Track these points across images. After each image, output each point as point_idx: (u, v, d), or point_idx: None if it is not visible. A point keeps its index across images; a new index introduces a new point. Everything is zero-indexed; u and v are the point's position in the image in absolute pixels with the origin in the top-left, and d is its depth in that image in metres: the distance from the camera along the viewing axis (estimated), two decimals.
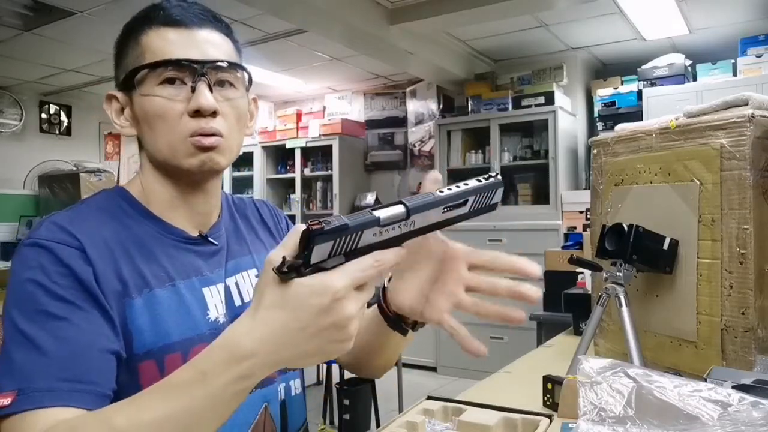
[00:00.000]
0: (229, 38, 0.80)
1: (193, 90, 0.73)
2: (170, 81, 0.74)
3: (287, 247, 0.50)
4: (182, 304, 0.76)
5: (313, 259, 0.49)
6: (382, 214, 0.51)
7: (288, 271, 0.49)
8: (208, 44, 0.76)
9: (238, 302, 0.83)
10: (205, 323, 0.77)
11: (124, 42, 0.78)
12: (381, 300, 0.76)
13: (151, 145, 0.77)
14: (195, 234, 0.83)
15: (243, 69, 0.80)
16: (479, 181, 0.59)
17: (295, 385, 0.89)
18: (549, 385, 1.00)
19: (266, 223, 0.98)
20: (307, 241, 0.48)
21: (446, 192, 0.56)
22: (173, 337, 0.74)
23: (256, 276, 0.85)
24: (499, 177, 0.61)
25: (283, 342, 0.51)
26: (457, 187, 0.57)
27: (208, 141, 0.75)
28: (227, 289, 0.83)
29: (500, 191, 0.62)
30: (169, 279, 0.76)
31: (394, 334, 0.76)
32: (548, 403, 1.01)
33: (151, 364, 0.72)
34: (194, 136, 0.74)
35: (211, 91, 0.75)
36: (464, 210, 0.59)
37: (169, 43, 0.74)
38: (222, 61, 0.76)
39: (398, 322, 0.75)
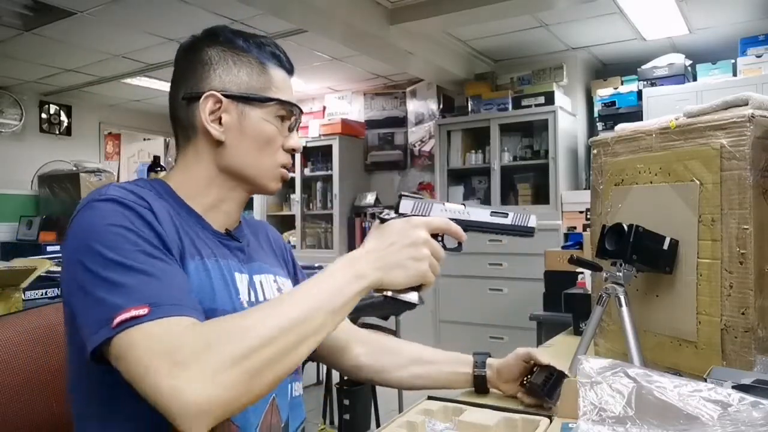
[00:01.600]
0: None
1: (290, 130, 0.90)
2: (282, 117, 0.88)
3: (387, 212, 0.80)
4: (224, 279, 0.83)
5: (401, 211, 0.80)
6: (447, 202, 0.82)
7: (387, 218, 0.79)
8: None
9: (261, 297, 0.89)
10: (238, 303, 0.84)
11: (236, 55, 0.87)
12: (482, 382, 1.07)
13: (242, 158, 0.86)
14: (221, 231, 0.90)
15: None
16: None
17: (296, 387, 0.93)
18: (535, 369, 1.02)
19: (273, 248, 1.05)
20: (398, 199, 0.81)
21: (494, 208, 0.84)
22: (217, 304, 0.80)
23: (274, 281, 0.94)
24: (532, 212, 0.85)
25: (382, 252, 0.75)
26: None
27: (288, 175, 0.94)
28: (252, 282, 0.89)
29: (534, 218, 0.84)
30: (212, 255, 0.83)
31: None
32: (525, 381, 1.02)
33: None
34: (284, 168, 0.91)
35: None
36: (507, 220, 0.83)
37: (286, 85, 0.91)
38: (303, 113, 0.95)
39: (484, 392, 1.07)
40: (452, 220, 0.80)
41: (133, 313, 0.64)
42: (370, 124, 5.50)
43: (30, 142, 5.36)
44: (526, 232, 0.84)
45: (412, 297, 0.77)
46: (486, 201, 4.55)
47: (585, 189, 4.28)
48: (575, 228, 3.95)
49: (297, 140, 0.91)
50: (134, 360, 0.62)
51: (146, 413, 0.64)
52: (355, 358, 1.07)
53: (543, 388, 0.98)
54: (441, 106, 5.06)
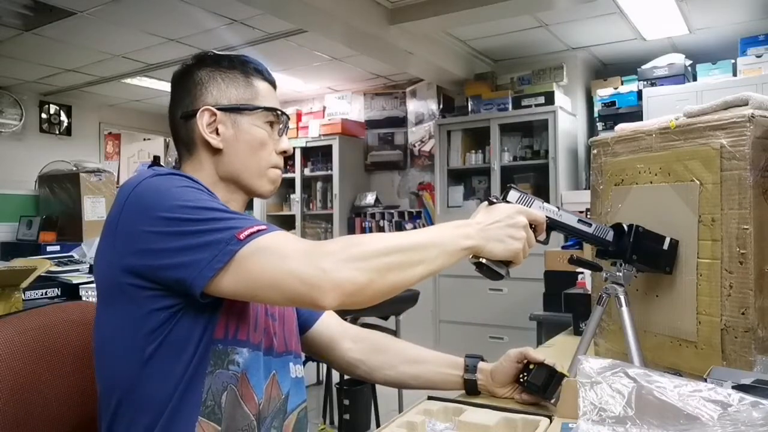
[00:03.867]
0: None
1: (279, 135, 1.00)
2: (271, 123, 0.98)
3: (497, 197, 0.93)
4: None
5: (509, 199, 0.94)
6: (544, 202, 0.96)
7: (496, 201, 0.91)
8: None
9: None
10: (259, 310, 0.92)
11: (225, 73, 0.97)
12: (473, 386, 1.08)
13: (238, 162, 0.95)
14: None
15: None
16: None
17: (297, 369, 0.99)
18: (531, 366, 1.02)
19: None
20: (507, 189, 0.95)
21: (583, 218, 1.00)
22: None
23: None
24: (610, 229, 1.01)
25: (487, 225, 0.87)
26: None
27: (280, 177, 1.01)
28: None
29: (611, 233, 1.00)
30: None
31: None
32: (522, 380, 1.02)
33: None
34: (276, 169, 0.99)
35: None
36: (589, 230, 0.99)
37: (273, 97, 1.00)
38: (289, 118, 1.06)
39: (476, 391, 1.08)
40: (548, 218, 0.95)
41: (256, 228, 0.76)
42: (370, 124, 5.50)
43: (30, 142, 5.36)
44: (603, 243, 0.99)
45: (502, 269, 0.90)
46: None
47: (585, 189, 4.28)
48: None
49: (287, 143, 1.01)
50: (271, 252, 0.74)
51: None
52: (346, 353, 1.11)
53: (541, 388, 0.98)
54: (441, 106, 5.06)
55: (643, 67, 4.14)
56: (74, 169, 4.55)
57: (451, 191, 4.71)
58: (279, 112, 0.99)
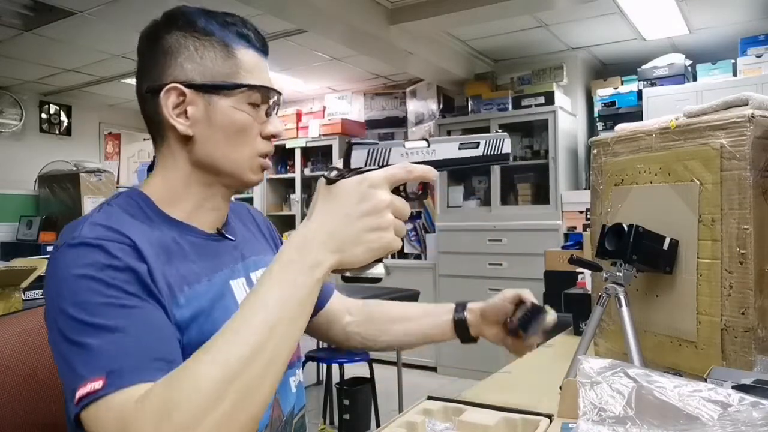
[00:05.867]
0: None
1: (267, 115, 0.82)
2: (255, 103, 0.81)
3: (335, 166, 0.64)
4: (221, 298, 0.79)
5: (353, 165, 0.64)
6: (407, 141, 0.67)
7: (335, 177, 0.63)
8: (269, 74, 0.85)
9: None
10: None
11: (197, 39, 0.79)
12: (463, 327, 1.03)
13: (217, 152, 0.80)
14: (212, 231, 0.85)
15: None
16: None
17: (296, 376, 0.93)
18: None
19: (262, 231, 1.02)
20: (347, 150, 0.64)
21: (461, 137, 0.71)
22: (210, 329, 0.73)
23: None
24: (505, 132, 0.73)
25: (335, 226, 0.61)
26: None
27: (269, 164, 0.84)
28: (249, 282, 0.86)
29: (508, 141, 0.72)
30: (202, 275, 0.79)
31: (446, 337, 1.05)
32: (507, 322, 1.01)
33: None
34: (264, 157, 0.83)
35: None
36: (478, 152, 0.71)
37: (258, 67, 0.82)
38: (281, 95, 0.85)
39: (470, 339, 1.04)
40: (419, 162, 0.66)
41: (89, 387, 0.60)
42: (370, 124, 5.50)
43: (30, 142, 5.36)
44: (501, 159, 0.73)
45: (377, 271, 0.64)
46: (486, 201, 4.56)
47: (585, 189, 4.28)
48: (575, 228, 3.95)
49: (277, 125, 0.83)
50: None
51: None
52: (344, 328, 1.07)
53: (520, 325, 0.93)
54: (441, 106, 5.06)
55: (643, 67, 4.14)
56: (74, 169, 4.56)
57: (451, 191, 4.70)
58: (267, 91, 0.81)
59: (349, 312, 1.08)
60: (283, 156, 5.64)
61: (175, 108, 0.78)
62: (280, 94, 0.84)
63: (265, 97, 0.81)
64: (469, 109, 4.61)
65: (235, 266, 0.86)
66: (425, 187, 0.68)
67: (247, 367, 0.57)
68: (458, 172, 4.70)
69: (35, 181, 4.77)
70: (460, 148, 0.70)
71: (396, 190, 0.65)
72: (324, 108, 5.68)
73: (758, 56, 3.76)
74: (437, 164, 0.67)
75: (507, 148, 0.72)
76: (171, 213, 0.81)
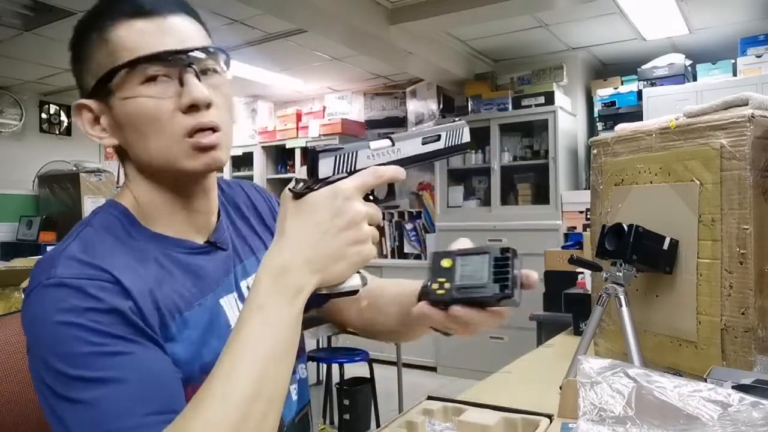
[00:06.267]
0: (198, 21, 0.74)
1: (182, 83, 0.67)
2: (153, 78, 0.67)
3: (300, 177, 0.59)
4: (209, 324, 0.74)
5: (321, 175, 0.59)
6: (372, 141, 0.63)
7: (302, 191, 0.59)
8: (183, 31, 0.69)
9: None
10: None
11: (83, 43, 0.71)
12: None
13: (142, 153, 0.70)
14: (201, 241, 0.78)
15: (224, 53, 0.73)
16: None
17: (300, 372, 0.88)
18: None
19: (258, 210, 0.92)
20: (313, 159, 0.59)
21: (422, 128, 0.69)
22: (206, 358, 0.71)
23: None
24: (462, 120, 0.72)
25: (311, 246, 0.57)
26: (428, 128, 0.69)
27: (207, 140, 0.69)
28: (240, 296, 0.80)
29: (466, 130, 0.71)
30: (192, 299, 0.73)
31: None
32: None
33: (194, 388, 0.65)
34: (192, 136, 0.68)
35: (200, 81, 0.68)
36: (440, 145, 0.69)
37: (145, 35, 0.67)
38: (205, 48, 0.70)
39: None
40: (386, 162, 0.63)
41: None
42: (370, 124, 5.49)
43: (30, 142, 5.36)
44: (462, 148, 0.71)
45: (353, 283, 0.60)
46: (486, 201, 4.56)
47: (585, 189, 4.28)
48: (575, 228, 3.95)
49: (193, 91, 0.67)
50: None
51: None
52: (354, 314, 0.94)
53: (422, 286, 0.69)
54: (441, 106, 5.06)
55: (643, 67, 4.14)
56: (74, 169, 4.56)
57: (451, 191, 4.70)
58: (158, 59, 0.66)
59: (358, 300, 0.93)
60: (283, 156, 5.64)
61: (93, 125, 0.72)
62: (184, 51, 0.67)
63: (164, 67, 0.67)
64: (469, 109, 4.61)
65: (225, 280, 0.79)
66: (392, 187, 0.66)
67: (243, 423, 0.55)
68: (458, 172, 4.71)
69: (35, 181, 4.77)
70: (423, 143, 0.67)
71: (366, 197, 0.61)
72: (324, 108, 5.68)
73: (758, 56, 3.76)
74: (404, 162, 0.65)
75: (467, 136, 0.70)
76: (153, 227, 0.74)
